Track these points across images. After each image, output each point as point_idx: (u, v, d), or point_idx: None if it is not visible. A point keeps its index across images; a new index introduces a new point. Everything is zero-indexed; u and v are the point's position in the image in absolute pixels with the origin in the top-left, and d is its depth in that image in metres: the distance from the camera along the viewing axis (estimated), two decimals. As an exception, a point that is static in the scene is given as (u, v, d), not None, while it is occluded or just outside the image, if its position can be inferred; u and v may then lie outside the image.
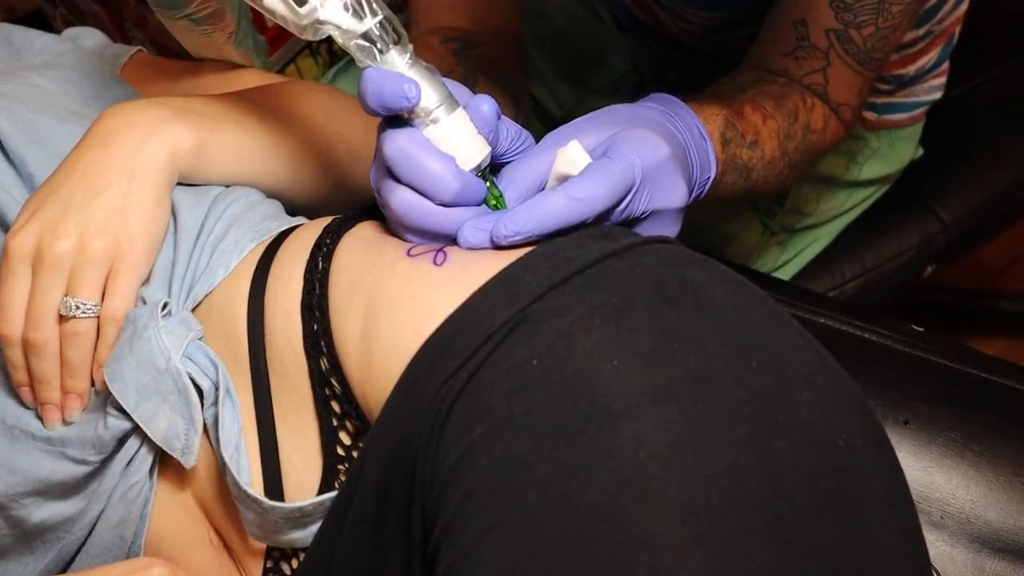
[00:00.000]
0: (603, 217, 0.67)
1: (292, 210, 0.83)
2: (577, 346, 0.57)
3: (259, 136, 0.79)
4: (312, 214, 0.82)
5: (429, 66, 0.66)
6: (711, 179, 0.80)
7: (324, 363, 0.68)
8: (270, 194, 0.81)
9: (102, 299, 0.71)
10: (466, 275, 0.63)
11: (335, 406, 0.69)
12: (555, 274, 0.61)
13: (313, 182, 0.84)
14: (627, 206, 0.67)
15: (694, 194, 0.78)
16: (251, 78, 0.94)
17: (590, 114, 0.73)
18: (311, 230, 0.74)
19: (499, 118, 0.68)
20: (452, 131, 0.65)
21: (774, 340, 0.60)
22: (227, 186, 0.79)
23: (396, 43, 0.65)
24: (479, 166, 0.66)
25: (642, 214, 0.69)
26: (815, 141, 0.94)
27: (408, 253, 0.66)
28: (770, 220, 1.23)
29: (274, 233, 0.76)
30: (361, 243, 0.70)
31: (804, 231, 1.26)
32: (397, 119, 0.66)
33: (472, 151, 0.66)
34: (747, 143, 0.85)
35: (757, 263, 1.24)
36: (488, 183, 0.67)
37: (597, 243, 0.63)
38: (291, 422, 0.70)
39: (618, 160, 0.66)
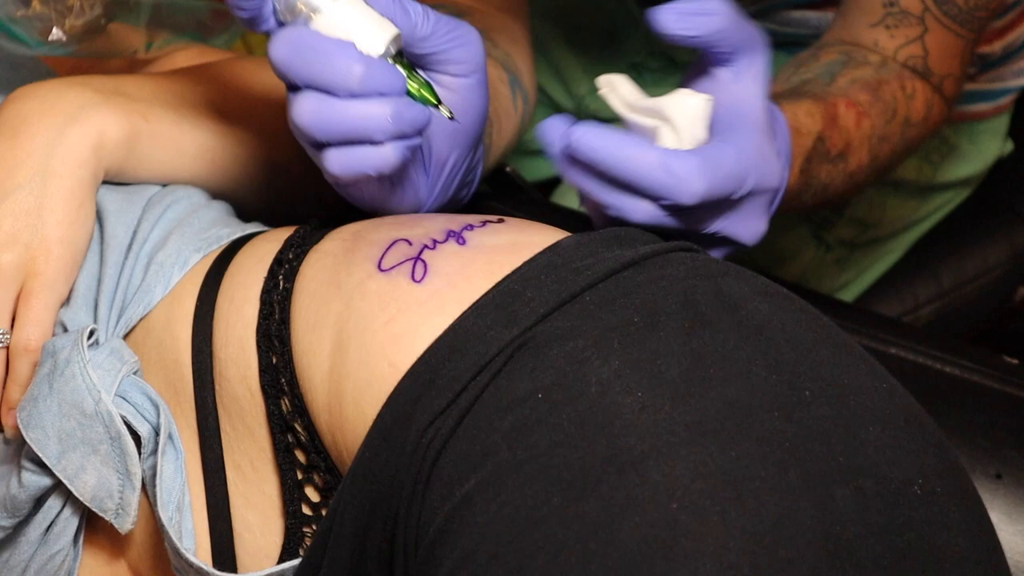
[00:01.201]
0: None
1: (245, 215, 0.83)
2: (591, 375, 0.57)
3: (203, 124, 0.80)
4: (269, 221, 0.82)
5: None
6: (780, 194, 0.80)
7: (286, 404, 0.68)
8: (217, 194, 0.82)
9: (11, 326, 0.71)
10: (452, 292, 0.64)
11: (299, 456, 0.69)
12: (562, 288, 0.61)
13: (269, 180, 0.84)
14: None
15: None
16: (192, 53, 0.95)
17: None
18: (270, 241, 0.74)
19: None
20: (342, 18, 0.66)
21: (831, 365, 0.60)
22: (164, 185, 0.79)
23: None
24: (387, 52, 0.66)
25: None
26: (914, 136, 0.95)
27: (379, 267, 0.67)
28: (826, 232, 1.23)
29: (225, 242, 0.76)
30: (328, 259, 0.70)
31: (868, 246, 1.26)
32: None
33: (372, 35, 0.66)
34: (831, 158, 0.86)
35: (810, 285, 1.24)
36: (405, 70, 0.67)
37: (612, 251, 0.64)
38: (246, 474, 0.70)
39: (731, 155, 0.67)
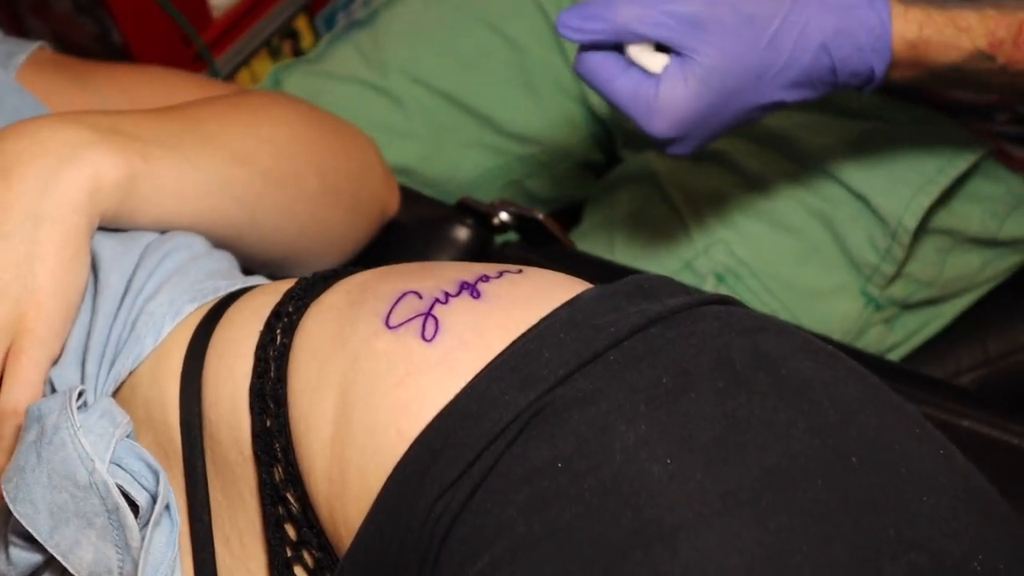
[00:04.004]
0: None
1: (249, 266, 0.84)
2: (616, 442, 0.58)
3: (207, 166, 0.81)
4: (275, 273, 0.83)
5: None
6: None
7: (279, 472, 0.69)
8: (219, 243, 0.83)
9: None
10: (465, 352, 0.65)
11: (289, 530, 0.70)
12: (583, 348, 0.62)
13: (276, 228, 0.86)
14: None
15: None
16: (193, 86, 0.97)
17: None
18: (268, 293, 0.75)
19: None
20: None
21: (881, 429, 0.61)
22: (163, 232, 0.81)
23: None
24: None
25: None
26: None
27: (387, 323, 0.68)
28: (875, 289, 1.24)
29: (221, 294, 0.77)
30: (331, 312, 0.71)
31: (920, 307, 1.27)
32: None
33: None
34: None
35: (854, 346, 1.24)
36: None
37: (636, 305, 0.65)
38: (233, 548, 0.71)
39: None
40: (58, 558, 0.69)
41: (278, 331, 0.72)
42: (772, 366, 0.62)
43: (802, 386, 0.61)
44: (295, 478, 0.68)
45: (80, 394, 0.71)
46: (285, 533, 0.70)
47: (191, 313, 0.76)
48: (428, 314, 0.67)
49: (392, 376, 0.66)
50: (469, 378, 0.63)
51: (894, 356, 1.27)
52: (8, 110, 0.88)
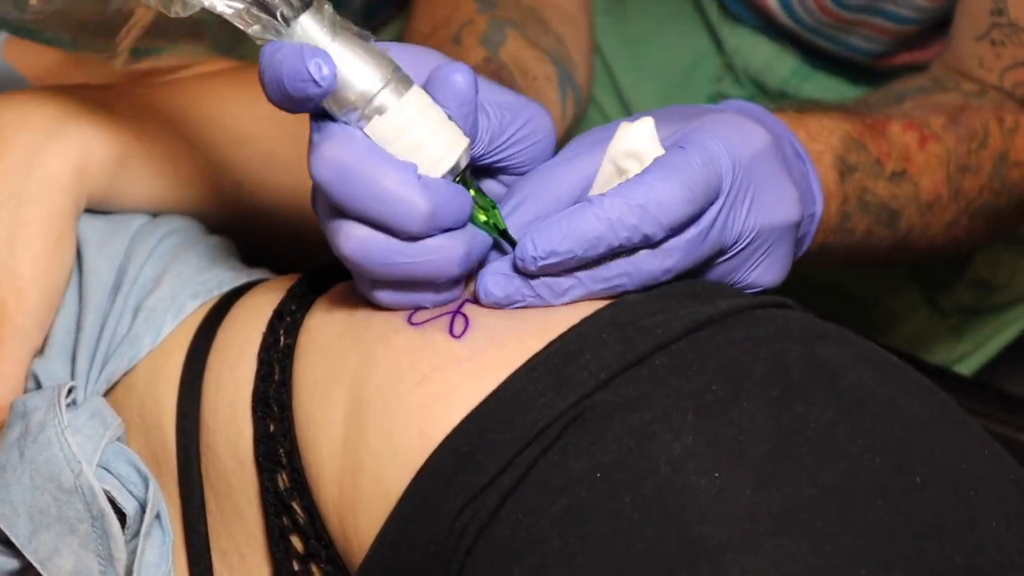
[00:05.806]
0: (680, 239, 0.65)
1: (248, 250, 0.83)
2: (660, 452, 0.57)
3: (203, 144, 0.81)
4: (277, 262, 0.82)
5: (362, 32, 0.64)
6: (816, 216, 0.79)
7: (283, 480, 0.68)
8: (216, 227, 0.83)
9: None
10: (497, 351, 0.64)
11: (296, 542, 0.69)
12: (627, 350, 0.61)
13: (277, 211, 0.85)
14: (716, 220, 0.66)
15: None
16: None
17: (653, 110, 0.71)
18: (272, 290, 0.75)
19: (477, 93, 0.65)
20: (406, 121, 0.63)
21: (947, 447, 0.60)
22: (154, 215, 0.80)
23: (307, 6, 0.62)
24: (456, 167, 0.64)
25: (743, 238, 0.68)
26: (1019, 179, 0.93)
27: (409, 320, 0.67)
28: (941, 297, 1.23)
29: (225, 289, 0.76)
30: (341, 307, 0.70)
31: (989, 313, 1.26)
32: (324, 117, 0.64)
33: (441, 146, 0.63)
34: (886, 173, 0.85)
35: (920, 357, 1.23)
36: (472, 190, 0.65)
37: (686, 306, 0.64)
38: (231, 562, 0.71)
39: (695, 150, 0.64)
40: (35, 565, 0.69)
41: (280, 331, 0.71)
42: (831, 376, 0.61)
43: (863, 399, 0.61)
44: (301, 486, 0.68)
45: (70, 391, 0.71)
46: (291, 545, 0.69)
47: (194, 310, 0.75)
48: (457, 311, 0.66)
49: (415, 373, 0.65)
50: (502, 378, 0.62)
51: (965, 366, 1.28)
52: None
